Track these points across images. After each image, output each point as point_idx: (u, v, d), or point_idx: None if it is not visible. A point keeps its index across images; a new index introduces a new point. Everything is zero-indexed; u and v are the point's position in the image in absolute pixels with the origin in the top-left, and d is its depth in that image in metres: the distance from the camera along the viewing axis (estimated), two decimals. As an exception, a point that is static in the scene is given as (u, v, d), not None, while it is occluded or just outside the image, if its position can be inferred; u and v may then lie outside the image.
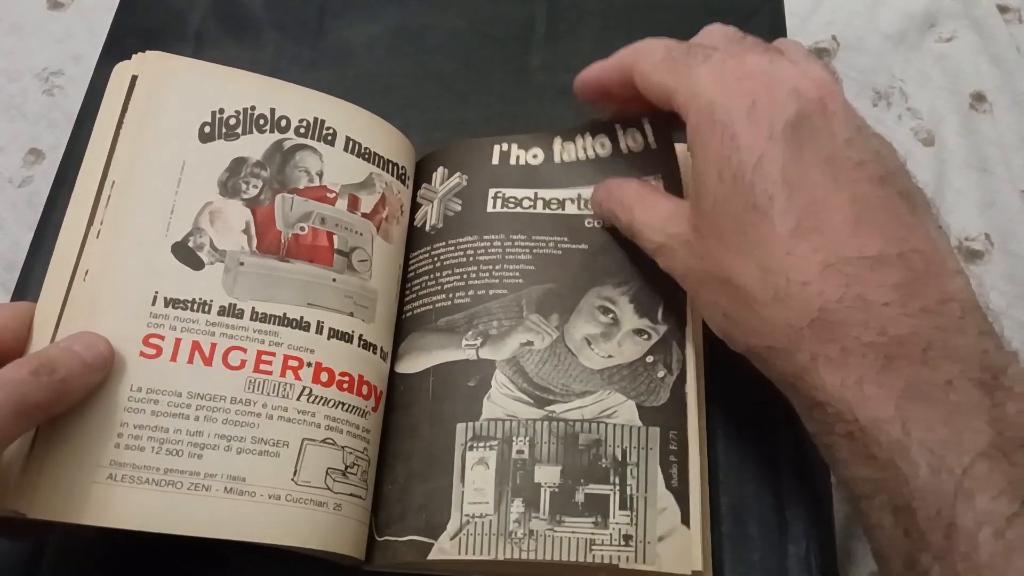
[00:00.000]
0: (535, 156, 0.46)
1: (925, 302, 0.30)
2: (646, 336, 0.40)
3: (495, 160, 0.46)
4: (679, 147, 0.44)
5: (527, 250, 0.43)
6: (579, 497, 0.37)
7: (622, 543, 0.36)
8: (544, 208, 0.44)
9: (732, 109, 0.33)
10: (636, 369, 0.40)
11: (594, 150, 0.45)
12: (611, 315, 0.41)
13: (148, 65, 0.41)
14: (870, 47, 0.58)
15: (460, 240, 0.44)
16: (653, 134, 0.44)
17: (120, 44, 0.55)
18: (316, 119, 0.42)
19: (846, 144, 0.33)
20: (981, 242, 0.52)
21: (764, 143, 0.32)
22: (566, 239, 0.43)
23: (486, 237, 0.44)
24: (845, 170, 0.32)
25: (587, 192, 0.44)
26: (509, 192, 0.45)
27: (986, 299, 0.31)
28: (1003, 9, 0.59)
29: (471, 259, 0.44)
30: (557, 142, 0.46)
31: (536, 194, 0.45)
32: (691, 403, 0.39)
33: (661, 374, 0.40)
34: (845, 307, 0.30)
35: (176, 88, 0.41)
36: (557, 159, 0.45)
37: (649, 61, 0.38)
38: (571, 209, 0.44)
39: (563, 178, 0.45)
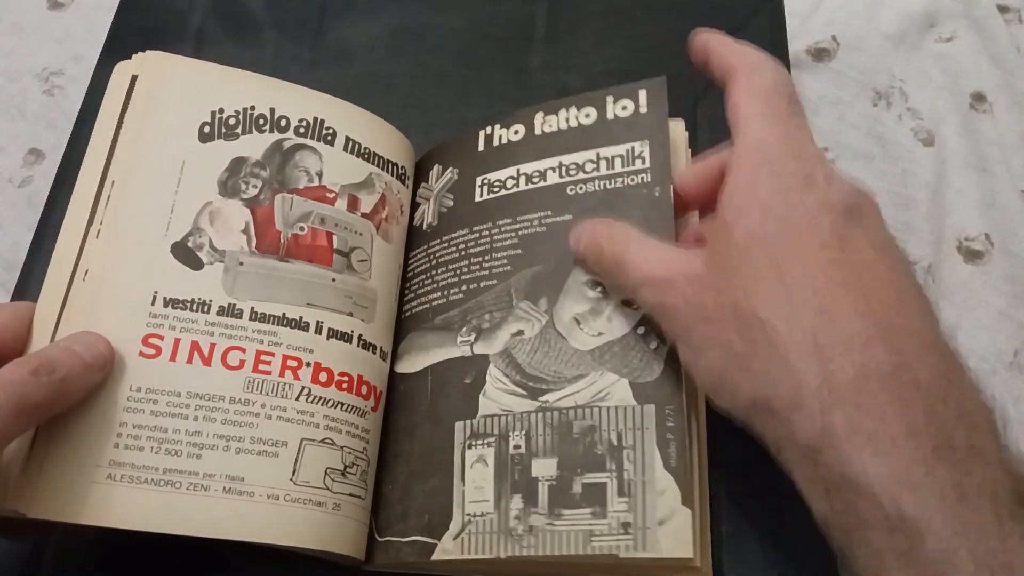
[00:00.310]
0: (516, 132, 0.45)
1: (962, 405, 0.29)
2: (636, 305, 0.39)
3: (481, 147, 0.46)
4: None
5: (513, 234, 0.43)
6: (576, 488, 0.36)
7: (621, 531, 0.35)
8: (526, 184, 0.44)
9: (791, 174, 0.33)
10: (627, 343, 0.39)
11: (578, 120, 0.44)
12: (599, 288, 0.40)
13: (148, 65, 0.41)
14: (870, 47, 0.58)
15: (453, 235, 0.44)
16: (647, 100, 0.43)
17: (120, 44, 0.55)
18: (316, 119, 0.42)
19: (889, 242, 0.33)
20: (981, 242, 0.52)
21: (817, 210, 0.32)
22: (550, 213, 0.42)
23: (475, 228, 0.44)
24: (889, 257, 0.32)
25: (568, 159, 0.43)
26: (493, 176, 0.45)
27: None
28: (1003, 9, 0.60)
29: (463, 253, 0.43)
30: (539, 116, 0.45)
31: (518, 171, 0.44)
32: (686, 374, 0.38)
33: (654, 345, 0.38)
34: (893, 377, 0.28)
35: (176, 88, 0.41)
36: (538, 131, 0.45)
37: (748, 84, 0.36)
38: (552, 179, 0.43)
39: (544, 149, 0.44)
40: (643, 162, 0.41)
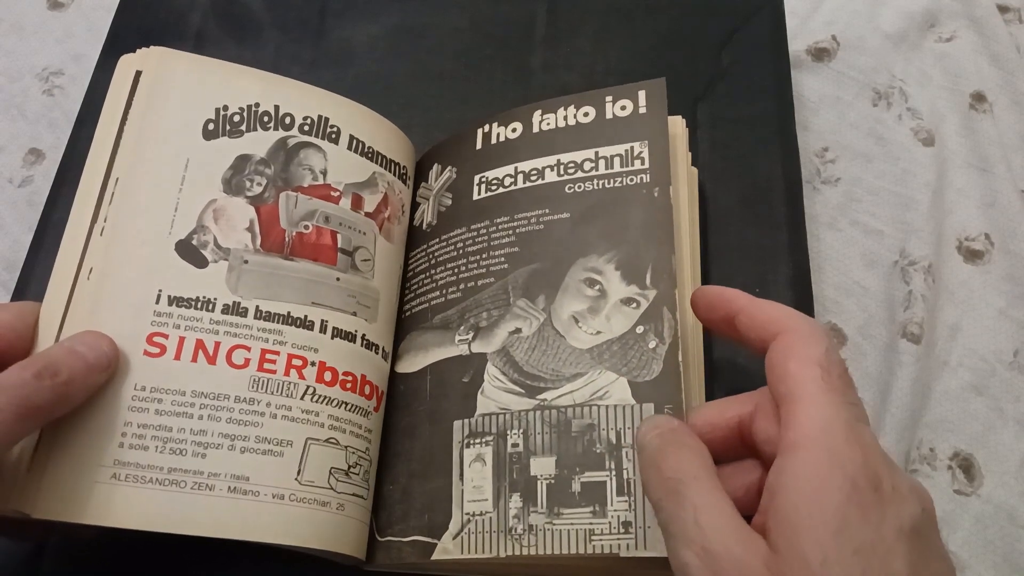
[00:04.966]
0: (514, 130, 0.45)
1: None
2: (635, 304, 0.39)
3: (479, 145, 0.46)
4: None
5: (510, 232, 0.43)
6: (575, 487, 0.36)
7: (621, 531, 0.35)
8: (524, 182, 0.44)
9: (864, 476, 0.30)
10: (626, 342, 0.39)
11: (576, 119, 0.44)
12: (597, 286, 0.40)
13: (151, 60, 0.41)
14: (870, 47, 0.59)
15: (451, 234, 0.44)
16: (646, 101, 0.43)
17: (120, 44, 0.55)
18: (320, 117, 0.42)
19: (944, 556, 0.31)
20: (981, 242, 0.52)
21: (893, 538, 0.29)
22: (547, 210, 0.42)
23: (473, 227, 0.44)
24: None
25: (566, 157, 0.43)
26: (491, 174, 0.45)
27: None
28: (1003, 9, 0.60)
29: (460, 252, 0.43)
30: (537, 114, 0.45)
31: (516, 169, 0.44)
32: (689, 372, 0.38)
33: (653, 344, 0.38)
34: None
35: (180, 85, 0.41)
36: (536, 129, 0.45)
37: (803, 349, 0.33)
38: (551, 177, 0.43)
39: (542, 147, 0.44)
40: (642, 162, 0.42)
